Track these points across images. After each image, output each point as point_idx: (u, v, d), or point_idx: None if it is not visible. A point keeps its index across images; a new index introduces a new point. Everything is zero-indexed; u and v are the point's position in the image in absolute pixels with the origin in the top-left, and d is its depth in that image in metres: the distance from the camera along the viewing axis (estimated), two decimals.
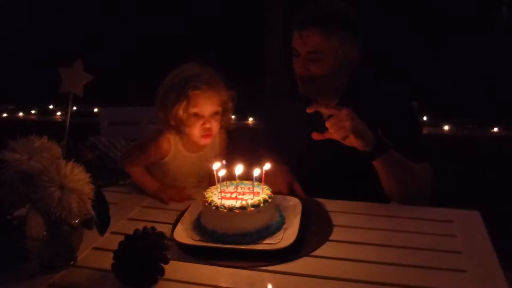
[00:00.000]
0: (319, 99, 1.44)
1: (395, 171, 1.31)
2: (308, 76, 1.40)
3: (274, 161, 1.54)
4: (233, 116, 2.75)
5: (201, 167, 1.48)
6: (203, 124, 1.38)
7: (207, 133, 1.40)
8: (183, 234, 1.13)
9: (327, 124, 1.24)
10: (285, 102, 1.53)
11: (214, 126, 1.40)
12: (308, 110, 1.29)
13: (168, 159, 1.46)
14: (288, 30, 1.42)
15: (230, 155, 1.30)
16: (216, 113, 1.40)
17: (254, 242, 1.08)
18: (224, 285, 0.99)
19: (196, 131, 1.40)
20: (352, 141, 1.24)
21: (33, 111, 3.17)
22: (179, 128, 1.40)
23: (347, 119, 1.22)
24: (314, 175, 1.50)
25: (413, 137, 1.41)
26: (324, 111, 1.27)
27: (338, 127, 1.23)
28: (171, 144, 1.45)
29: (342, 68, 1.40)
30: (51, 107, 3.14)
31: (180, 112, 1.36)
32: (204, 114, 1.38)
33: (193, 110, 1.37)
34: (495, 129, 2.46)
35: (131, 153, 1.50)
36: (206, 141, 1.43)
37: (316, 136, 1.29)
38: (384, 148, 1.27)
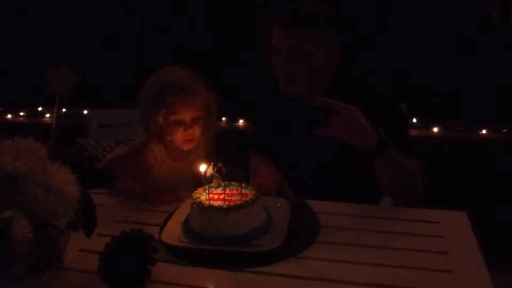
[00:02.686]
0: (302, 98, 1.44)
1: (393, 169, 1.33)
2: (290, 75, 1.40)
3: (264, 162, 1.56)
4: (223, 118, 2.79)
5: (189, 175, 1.43)
6: (185, 129, 1.37)
7: (189, 138, 1.38)
8: (171, 236, 1.12)
9: (334, 120, 1.23)
10: (277, 99, 1.53)
11: (196, 130, 1.39)
12: (313, 102, 1.25)
13: (154, 170, 1.44)
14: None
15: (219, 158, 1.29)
16: (197, 118, 1.38)
17: (242, 244, 1.08)
18: (212, 287, 0.98)
19: (178, 137, 1.38)
20: (356, 139, 1.24)
21: (21, 113, 3.14)
22: (161, 135, 1.38)
23: (355, 116, 1.22)
24: (303, 176, 1.51)
25: (403, 133, 1.44)
26: (331, 105, 1.24)
27: (344, 123, 1.22)
28: (156, 155, 1.43)
29: (324, 64, 1.41)
30: (40, 109, 3.11)
31: (160, 120, 1.35)
32: (185, 120, 1.36)
33: (173, 117, 1.35)
34: (483, 131, 2.49)
35: (115, 165, 1.46)
36: (189, 146, 1.41)
37: (318, 132, 1.26)
38: (386, 147, 1.28)
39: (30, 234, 0.97)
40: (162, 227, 1.18)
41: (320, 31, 1.37)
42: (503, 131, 2.48)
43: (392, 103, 1.46)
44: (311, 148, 1.45)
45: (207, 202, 1.12)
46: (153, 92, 1.36)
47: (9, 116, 3.14)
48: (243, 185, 1.18)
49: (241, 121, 2.83)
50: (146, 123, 1.37)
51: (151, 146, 1.42)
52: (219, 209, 1.09)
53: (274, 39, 1.40)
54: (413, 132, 2.49)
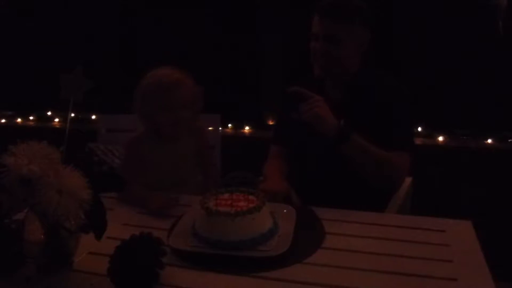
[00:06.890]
0: (329, 82, 1.60)
1: (359, 157, 1.44)
2: (323, 58, 1.53)
3: (275, 169, 1.59)
4: (229, 125, 2.81)
5: (178, 161, 1.60)
6: (171, 115, 1.53)
7: (174, 122, 1.55)
8: (178, 240, 1.14)
9: (300, 107, 1.41)
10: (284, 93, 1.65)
11: (181, 116, 1.54)
12: (288, 91, 1.45)
13: (149, 158, 1.58)
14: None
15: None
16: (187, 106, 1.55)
17: (248, 249, 1.09)
18: None
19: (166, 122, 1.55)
20: (316, 125, 1.40)
21: (31, 117, 3.18)
22: (151, 123, 1.58)
23: (316, 105, 1.40)
24: (310, 180, 1.58)
25: (400, 126, 1.53)
26: (302, 92, 1.43)
27: (309, 109, 1.39)
28: (146, 143, 1.59)
29: (354, 52, 1.56)
30: (49, 113, 3.15)
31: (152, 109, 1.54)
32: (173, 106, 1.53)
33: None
34: (489, 141, 2.49)
35: (124, 170, 1.60)
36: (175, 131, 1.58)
37: (293, 115, 1.44)
38: (346, 136, 1.40)
39: (42, 236, 0.99)
40: (169, 231, 1.20)
41: (353, 22, 1.51)
42: (509, 140, 2.48)
43: (400, 95, 1.56)
44: (313, 147, 1.56)
45: (215, 208, 1.14)
46: (146, 89, 1.56)
47: (19, 120, 3.18)
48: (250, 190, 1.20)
49: (246, 128, 2.85)
50: (145, 117, 1.57)
51: (139, 136, 1.61)
52: (226, 214, 1.11)
53: (313, 26, 1.55)
54: (418, 141, 2.49)
